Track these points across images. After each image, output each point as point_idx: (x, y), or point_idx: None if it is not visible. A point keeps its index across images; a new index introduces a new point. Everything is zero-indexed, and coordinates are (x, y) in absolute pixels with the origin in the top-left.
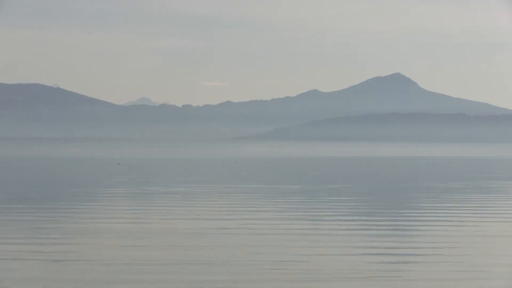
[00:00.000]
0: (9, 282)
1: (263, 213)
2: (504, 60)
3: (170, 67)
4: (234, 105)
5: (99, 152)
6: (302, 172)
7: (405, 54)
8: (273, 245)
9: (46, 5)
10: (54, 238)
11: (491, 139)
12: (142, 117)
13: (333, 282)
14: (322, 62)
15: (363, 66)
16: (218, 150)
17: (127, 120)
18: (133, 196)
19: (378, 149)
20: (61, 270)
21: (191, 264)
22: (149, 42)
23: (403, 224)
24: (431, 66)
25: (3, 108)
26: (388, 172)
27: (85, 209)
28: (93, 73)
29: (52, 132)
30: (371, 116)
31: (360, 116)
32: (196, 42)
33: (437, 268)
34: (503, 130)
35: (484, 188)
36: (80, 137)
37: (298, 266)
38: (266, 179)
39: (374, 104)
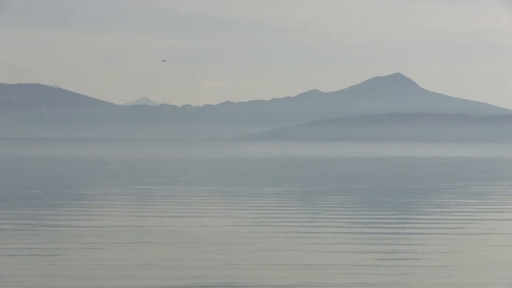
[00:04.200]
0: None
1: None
2: (504, 61)
3: (170, 67)
4: (234, 105)
5: (99, 152)
6: (302, 173)
7: (405, 54)
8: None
9: (46, 5)
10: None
11: (491, 139)
12: (142, 117)
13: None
14: (322, 62)
15: (363, 66)
16: (218, 150)
17: (127, 120)
18: (135, 198)
19: (378, 149)
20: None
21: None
22: (149, 42)
23: (397, 226)
24: (431, 66)
25: (3, 108)
26: (387, 173)
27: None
28: (93, 73)
29: (52, 132)
30: (371, 116)
31: (360, 116)
32: (196, 42)
33: (437, 271)
34: (503, 130)
35: (483, 188)
36: (80, 137)
37: (301, 265)
38: (271, 181)
39: (374, 104)
